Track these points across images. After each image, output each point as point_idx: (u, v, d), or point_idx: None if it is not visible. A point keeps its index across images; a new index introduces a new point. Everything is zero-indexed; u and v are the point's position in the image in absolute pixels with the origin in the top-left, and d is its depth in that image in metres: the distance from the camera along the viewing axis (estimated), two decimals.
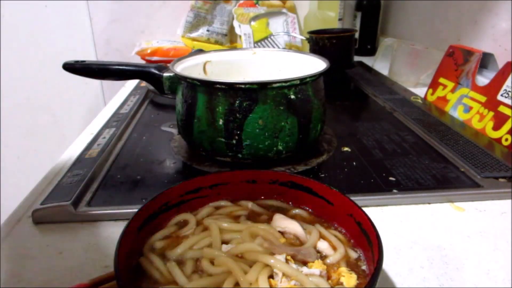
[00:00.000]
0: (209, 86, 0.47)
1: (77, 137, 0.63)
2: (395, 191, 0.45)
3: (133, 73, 0.54)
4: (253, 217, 0.36)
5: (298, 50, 1.14)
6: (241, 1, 1.19)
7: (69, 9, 1.16)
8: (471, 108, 0.65)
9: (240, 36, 1.15)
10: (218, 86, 0.46)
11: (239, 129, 0.46)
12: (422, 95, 0.78)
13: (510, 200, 0.44)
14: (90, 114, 0.78)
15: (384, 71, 0.97)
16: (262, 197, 0.38)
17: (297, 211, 0.37)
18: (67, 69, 0.53)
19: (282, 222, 0.34)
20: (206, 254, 0.30)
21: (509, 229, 0.39)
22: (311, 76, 0.48)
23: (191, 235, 0.33)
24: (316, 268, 0.29)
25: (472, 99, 0.65)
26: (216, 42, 1.19)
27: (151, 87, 0.59)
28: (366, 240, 0.30)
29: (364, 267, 0.30)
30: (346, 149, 0.56)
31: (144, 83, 0.87)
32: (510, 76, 0.58)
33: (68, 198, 0.42)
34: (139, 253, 0.31)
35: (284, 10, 1.20)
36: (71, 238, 0.39)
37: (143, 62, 1.09)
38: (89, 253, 0.37)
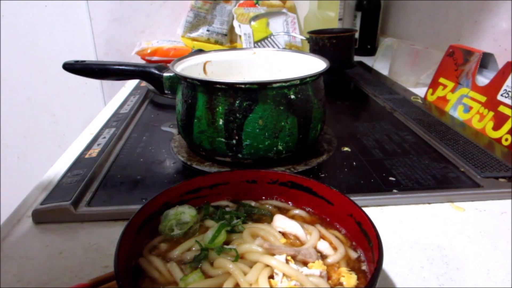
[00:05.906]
0: (209, 86, 0.47)
1: (77, 137, 0.63)
2: (395, 191, 0.45)
3: (133, 73, 0.54)
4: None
5: (298, 50, 1.13)
6: (241, 1, 1.19)
7: (69, 9, 1.16)
8: (471, 108, 0.65)
9: (240, 36, 1.15)
10: (218, 86, 0.46)
11: (239, 129, 0.46)
12: (422, 95, 0.78)
13: (510, 200, 0.44)
14: (90, 114, 0.78)
15: (384, 71, 0.97)
16: (262, 197, 0.38)
17: (297, 211, 0.37)
18: (67, 69, 0.54)
19: (282, 223, 0.34)
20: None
21: (509, 229, 0.39)
22: (311, 76, 0.48)
23: (191, 235, 0.33)
24: (316, 268, 0.29)
25: (472, 99, 0.65)
26: (216, 42, 1.19)
27: (151, 87, 0.59)
28: (366, 240, 0.30)
29: (364, 267, 0.30)
30: (346, 149, 0.56)
31: (144, 83, 0.87)
32: (510, 76, 0.58)
33: (68, 198, 0.42)
34: (139, 253, 0.31)
35: (284, 10, 1.20)
36: (71, 238, 0.39)
37: (143, 62, 1.09)
38: (89, 253, 0.37)
